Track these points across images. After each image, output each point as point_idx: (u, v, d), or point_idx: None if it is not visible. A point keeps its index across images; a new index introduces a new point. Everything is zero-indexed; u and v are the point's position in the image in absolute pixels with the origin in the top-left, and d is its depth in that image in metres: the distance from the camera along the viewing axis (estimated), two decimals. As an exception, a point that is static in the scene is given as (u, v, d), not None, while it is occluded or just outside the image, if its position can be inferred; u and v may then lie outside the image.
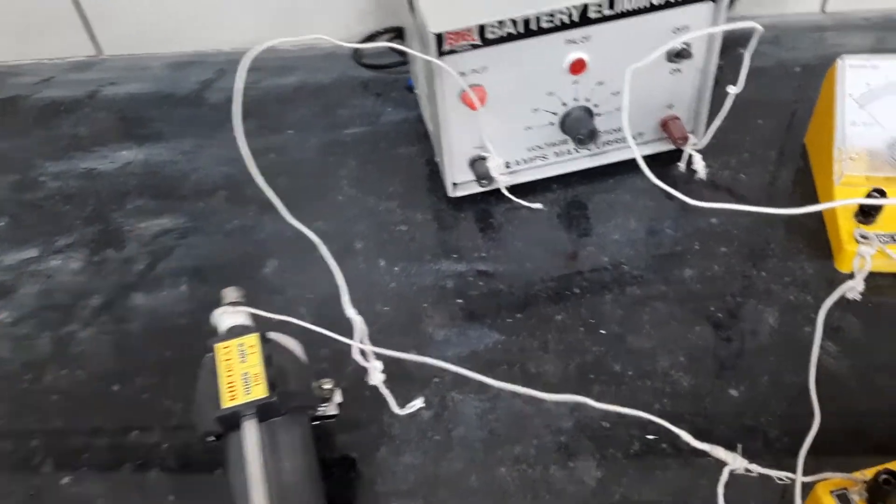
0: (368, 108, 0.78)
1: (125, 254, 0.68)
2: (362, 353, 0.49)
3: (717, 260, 0.61)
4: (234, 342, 0.47)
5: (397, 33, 0.83)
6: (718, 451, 0.47)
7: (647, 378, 0.55)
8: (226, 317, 0.48)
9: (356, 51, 0.83)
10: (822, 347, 0.54)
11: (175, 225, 0.69)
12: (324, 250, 0.53)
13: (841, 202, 0.57)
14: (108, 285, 0.66)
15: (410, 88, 0.78)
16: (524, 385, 0.55)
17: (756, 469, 0.47)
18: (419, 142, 0.73)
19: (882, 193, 0.57)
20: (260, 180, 0.53)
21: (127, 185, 0.74)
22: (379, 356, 0.50)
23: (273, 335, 0.50)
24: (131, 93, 0.83)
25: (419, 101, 0.75)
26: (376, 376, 0.51)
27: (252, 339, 0.47)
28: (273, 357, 0.46)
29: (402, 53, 0.80)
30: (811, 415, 0.49)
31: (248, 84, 0.60)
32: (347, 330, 0.48)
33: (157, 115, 0.80)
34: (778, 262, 0.61)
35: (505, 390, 0.47)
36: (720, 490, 0.47)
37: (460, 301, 0.61)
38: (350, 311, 0.51)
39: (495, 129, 0.63)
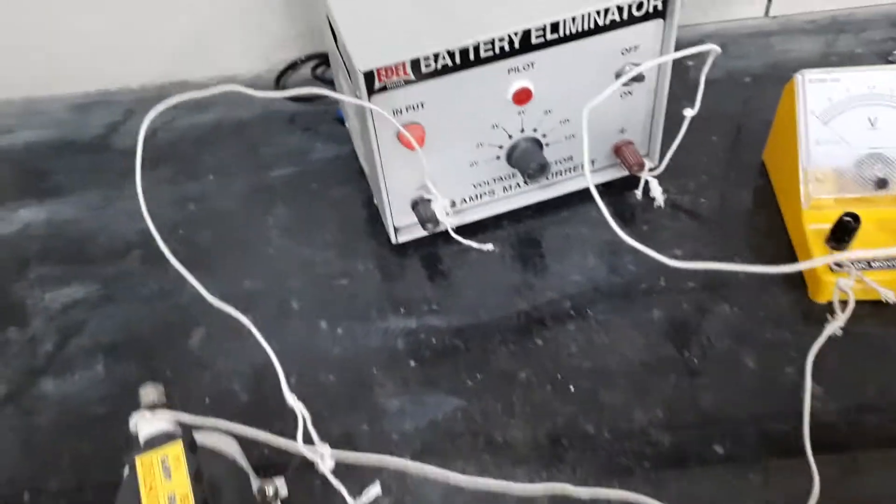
0: (296, 146, 0.71)
1: (30, 332, 0.60)
2: (308, 439, 0.44)
3: (686, 296, 0.57)
4: (156, 455, 0.40)
5: (322, 60, 0.77)
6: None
7: (624, 439, 0.50)
8: (144, 423, 0.41)
9: (279, 82, 0.77)
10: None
11: (86, 294, 0.62)
12: (255, 331, 0.46)
13: (828, 258, 0.53)
14: (12, 372, 0.58)
15: (341, 120, 0.72)
16: (491, 456, 0.50)
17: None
18: (355, 180, 0.67)
19: (855, 218, 0.54)
20: (172, 259, 0.46)
21: (28, 250, 0.65)
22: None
23: (203, 436, 0.43)
24: (28, 141, 0.75)
25: (351, 136, 0.69)
26: (326, 464, 0.45)
27: (177, 450, 0.40)
28: (203, 469, 0.39)
29: (330, 83, 0.74)
30: (807, 474, 0.45)
31: (161, 125, 0.53)
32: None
33: (59, 165, 0.72)
34: (750, 294, 0.57)
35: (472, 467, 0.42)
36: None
37: (413, 363, 0.55)
38: (290, 398, 0.45)
39: (438, 168, 0.58)
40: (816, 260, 0.52)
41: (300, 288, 0.60)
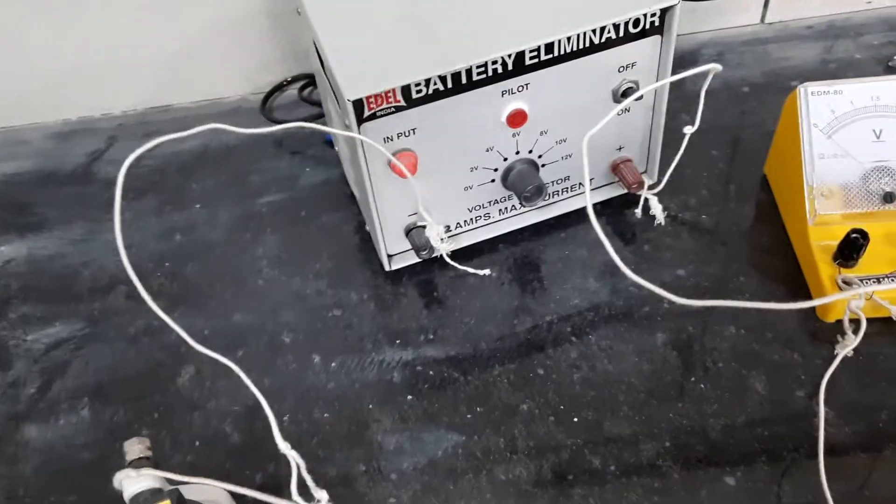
0: (284, 171, 0.69)
1: (12, 375, 0.58)
2: (304, 488, 0.42)
3: (690, 319, 0.55)
4: (143, 514, 0.38)
5: (309, 80, 0.75)
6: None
7: (632, 473, 0.48)
8: (129, 482, 0.39)
9: (265, 104, 0.75)
10: (818, 414, 0.49)
11: (70, 333, 0.60)
12: (242, 375, 0.44)
13: (843, 294, 0.51)
14: (-6, 417, 0.56)
15: (331, 143, 0.70)
16: (494, 495, 0.48)
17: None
18: (345, 206, 0.65)
19: (863, 234, 0.52)
20: (151, 304, 0.44)
21: (8, 288, 0.63)
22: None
23: (192, 491, 0.41)
24: (7, 173, 0.73)
25: (341, 160, 0.67)
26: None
27: (164, 508, 0.38)
28: (192, 527, 0.37)
29: (318, 104, 0.72)
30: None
31: (145, 152, 0.51)
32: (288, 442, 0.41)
33: (40, 197, 0.70)
34: (756, 315, 0.55)
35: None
36: None
37: (410, 398, 0.53)
38: (283, 447, 0.43)
39: (431, 194, 0.56)
40: (831, 297, 0.50)
41: (292, 321, 0.58)
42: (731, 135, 0.67)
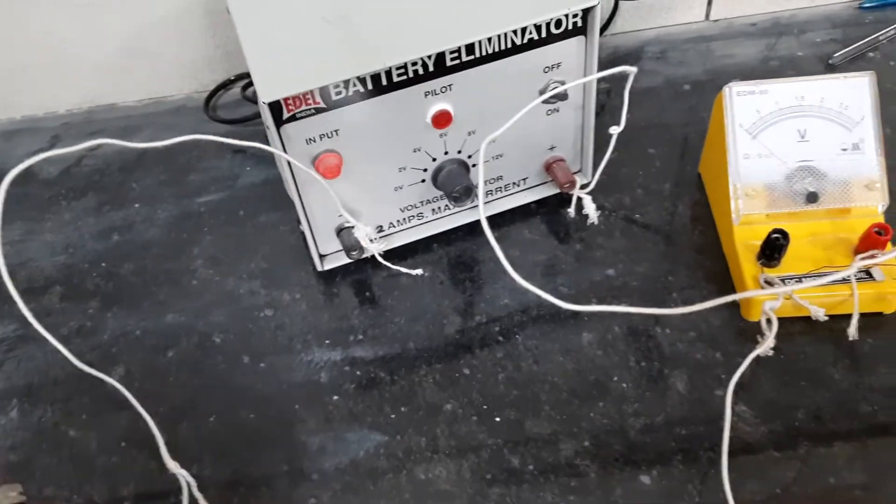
0: (225, 171, 0.69)
1: (-56, 376, 0.58)
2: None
3: (617, 319, 0.55)
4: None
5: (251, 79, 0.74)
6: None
7: (550, 472, 0.49)
8: None
9: (209, 103, 0.74)
10: (735, 413, 0.49)
11: (2, 334, 0.60)
12: (129, 396, 0.45)
13: (764, 291, 0.52)
14: (-77, 419, 0.56)
15: (271, 142, 0.70)
16: (412, 495, 0.48)
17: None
18: (283, 206, 0.65)
19: (784, 234, 0.52)
20: (37, 326, 0.44)
21: (-56, 288, 0.63)
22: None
23: None
24: (-51, 173, 0.73)
25: (276, 161, 0.67)
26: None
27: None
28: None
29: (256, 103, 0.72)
30: (728, 505, 0.44)
31: (87, 151, 0.51)
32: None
33: (-20, 197, 0.70)
34: (683, 315, 0.55)
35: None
36: None
37: (336, 398, 0.53)
38: (171, 465, 0.43)
39: (360, 195, 0.56)
40: (733, 296, 0.50)
41: (223, 322, 0.58)
42: (670, 133, 0.67)
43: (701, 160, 0.63)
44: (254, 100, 0.73)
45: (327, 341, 0.56)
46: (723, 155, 0.56)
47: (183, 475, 0.41)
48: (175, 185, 0.68)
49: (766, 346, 0.50)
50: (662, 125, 0.68)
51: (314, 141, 0.52)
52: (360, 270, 0.60)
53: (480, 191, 0.46)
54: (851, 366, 0.51)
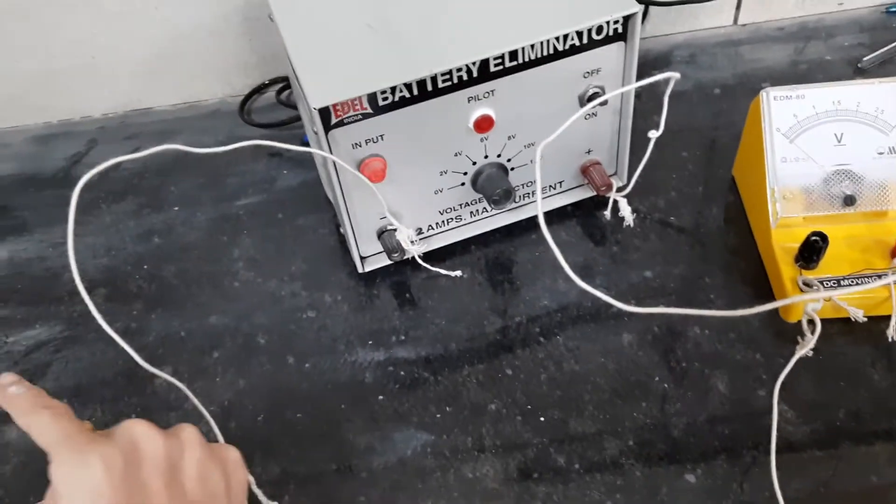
0: (262, 174, 0.70)
1: (-8, 377, 0.59)
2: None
3: (656, 320, 0.56)
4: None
5: (286, 83, 0.76)
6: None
7: (595, 471, 0.49)
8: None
9: (244, 107, 0.75)
10: (778, 413, 0.50)
11: (50, 335, 0.61)
12: (191, 396, 0.46)
13: (801, 297, 0.53)
14: (-26, 419, 0.57)
15: (308, 144, 0.71)
16: (461, 494, 0.49)
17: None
18: (322, 208, 0.66)
19: (822, 237, 0.53)
20: (106, 327, 0.45)
21: (-10, 290, 0.64)
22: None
23: None
24: (-11, 177, 0.74)
25: (316, 163, 0.68)
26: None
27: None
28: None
29: (294, 107, 0.73)
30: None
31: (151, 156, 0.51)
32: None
33: (21, 201, 0.71)
34: (719, 316, 0.56)
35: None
36: None
37: (381, 398, 0.54)
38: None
39: (402, 197, 0.57)
40: (782, 301, 0.51)
41: (267, 323, 0.59)
42: (702, 136, 0.68)
43: (735, 163, 0.64)
44: (289, 104, 0.74)
45: (370, 342, 0.57)
46: (759, 158, 0.57)
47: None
48: (213, 189, 0.69)
49: (808, 346, 0.51)
50: (693, 129, 0.68)
51: (360, 146, 0.53)
52: (400, 272, 0.61)
53: (538, 190, 0.47)
54: (890, 366, 0.52)
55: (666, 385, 0.53)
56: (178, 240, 0.66)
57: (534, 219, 0.63)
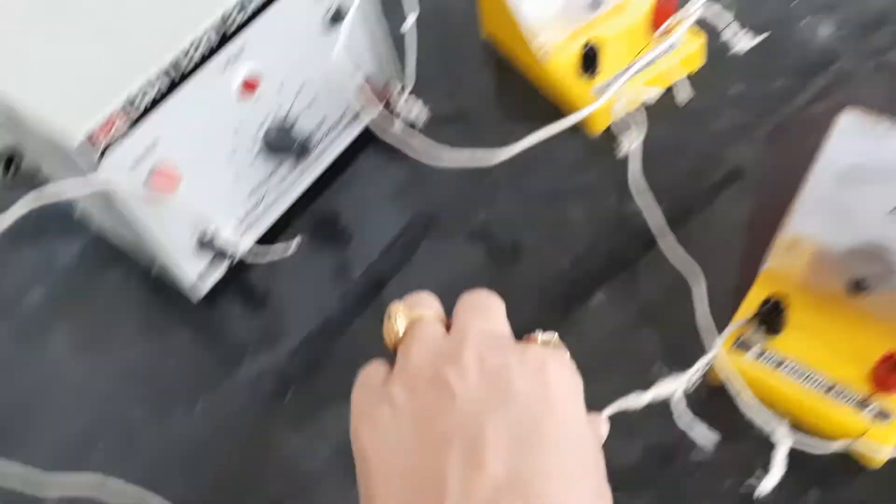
0: (35, 260, 0.61)
1: None
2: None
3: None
4: None
5: (9, 157, 0.66)
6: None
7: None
8: None
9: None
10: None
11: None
12: None
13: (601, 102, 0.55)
14: None
15: (69, 211, 0.62)
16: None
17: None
18: (118, 262, 0.59)
19: (592, 49, 0.56)
20: None
21: None
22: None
23: None
24: None
25: (91, 220, 0.60)
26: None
27: None
28: None
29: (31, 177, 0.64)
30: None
31: None
32: None
33: None
34: (549, 156, 0.56)
35: None
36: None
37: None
38: None
39: (204, 197, 0.52)
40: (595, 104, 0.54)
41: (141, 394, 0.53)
42: (440, 12, 0.68)
43: (484, 26, 0.65)
44: (25, 176, 0.64)
45: (236, 363, 0.54)
46: (506, 12, 0.59)
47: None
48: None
49: (640, 136, 0.54)
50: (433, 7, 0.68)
51: (139, 162, 0.47)
52: (238, 279, 0.57)
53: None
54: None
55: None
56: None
57: (339, 159, 0.61)
